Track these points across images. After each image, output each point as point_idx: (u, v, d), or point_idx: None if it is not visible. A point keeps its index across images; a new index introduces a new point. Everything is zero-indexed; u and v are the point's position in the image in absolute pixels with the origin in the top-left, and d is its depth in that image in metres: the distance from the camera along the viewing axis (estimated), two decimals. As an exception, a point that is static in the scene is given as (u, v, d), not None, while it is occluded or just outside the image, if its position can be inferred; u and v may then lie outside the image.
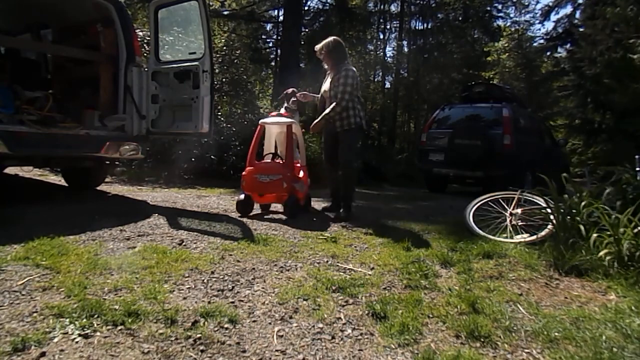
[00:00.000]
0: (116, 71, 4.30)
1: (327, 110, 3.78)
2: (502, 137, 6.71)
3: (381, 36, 18.95)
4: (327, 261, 2.55)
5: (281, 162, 3.86)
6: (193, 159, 6.68)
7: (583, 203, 2.99)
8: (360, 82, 4.02)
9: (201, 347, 1.55)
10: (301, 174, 4.00)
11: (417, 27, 18.07)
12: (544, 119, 13.19)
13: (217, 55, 8.27)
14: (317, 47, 3.94)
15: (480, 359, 1.60)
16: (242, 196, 3.75)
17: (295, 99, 4.34)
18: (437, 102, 13.27)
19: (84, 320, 1.62)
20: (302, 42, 12.71)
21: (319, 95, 4.10)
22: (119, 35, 4.24)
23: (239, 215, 3.68)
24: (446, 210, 4.75)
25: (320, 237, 3.05)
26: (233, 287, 2.09)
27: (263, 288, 2.11)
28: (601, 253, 2.51)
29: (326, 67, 3.99)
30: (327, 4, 15.02)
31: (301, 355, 1.58)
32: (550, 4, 16.46)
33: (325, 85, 3.96)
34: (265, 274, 2.28)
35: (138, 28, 6.67)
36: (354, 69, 3.88)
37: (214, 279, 2.15)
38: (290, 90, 4.47)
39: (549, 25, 31.16)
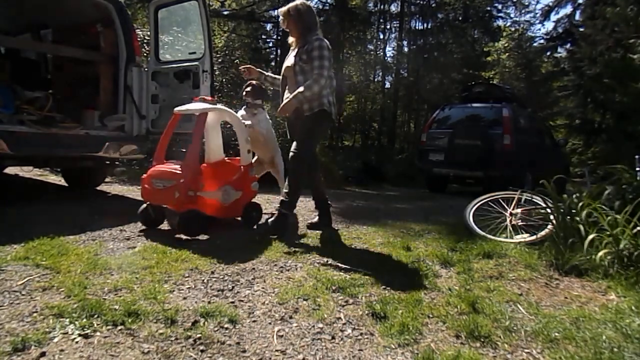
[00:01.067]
0: (116, 71, 4.31)
1: (301, 89, 2.96)
2: (502, 137, 6.72)
3: (381, 36, 18.96)
4: (327, 261, 2.55)
5: (180, 164, 2.97)
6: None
7: (581, 203, 2.99)
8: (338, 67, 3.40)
9: (201, 347, 1.55)
10: (236, 176, 3.21)
11: (417, 27, 18.09)
12: (544, 119, 13.19)
13: (217, 55, 8.27)
14: (282, 10, 3.17)
15: (480, 359, 1.60)
16: (143, 205, 3.03)
17: (249, 89, 3.70)
18: (437, 102, 13.26)
19: (84, 320, 1.62)
20: (302, 42, 12.69)
21: (277, 76, 3.42)
22: (119, 35, 4.25)
23: (141, 230, 3.01)
24: (446, 210, 4.75)
25: (321, 237, 3.05)
26: (233, 287, 2.09)
27: (263, 288, 2.11)
28: (600, 253, 2.50)
29: (291, 40, 3.21)
30: (327, 4, 15.03)
31: (301, 355, 1.58)
32: (550, 4, 16.44)
33: (289, 61, 3.16)
34: (265, 274, 2.28)
35: (138, 28, 6.67)
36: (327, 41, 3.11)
37: (214, 279, 2.15)
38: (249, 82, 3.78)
39: (549, 25, 31.13)
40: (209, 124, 3.16)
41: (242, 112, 3.82)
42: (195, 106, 3.11)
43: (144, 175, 3.01)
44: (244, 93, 3.78)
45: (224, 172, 3.19)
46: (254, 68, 3.55)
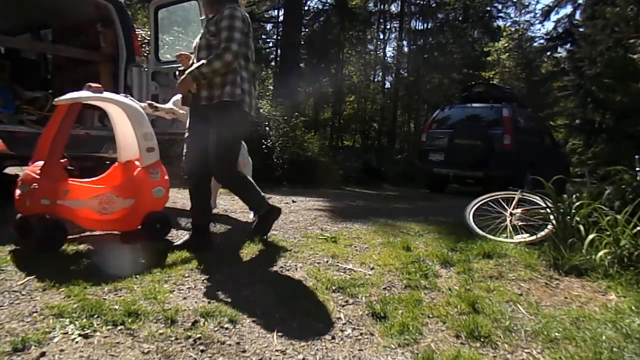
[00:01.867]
0: (116, 71, 4.30)
1: (197, 64, 2.42)
2: (502, 137, 6.73)
3: (381, 36, 19.00)
4: (327, 261, 2.55)
5: (39, 167, 2.37)
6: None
7: (577, 204, 2.99)
8: (249, 31, 2.52)
9: (201, 347, 1.56)
10: (123, 180, 2.63)
11: (417, 27, 18.14)
12: (544, 119, 13.19)
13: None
14: None
15: (480, 359, 1.60)
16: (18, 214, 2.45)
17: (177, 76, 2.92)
18: (437, 102, 13.29)
19: (84, 320, 1.62)
20: (302, 42, 12.72)
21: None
22: (119, 35, 4.24)
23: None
24: (446, 210, 4.75)
25: (320, 237, 3.05)
26: (233, 287, 2.09)
27: (263, 288, 2.10)
28: (600, 253, 2.50)
29: (209, 15, 2.61)
30: (327, 4, 15.07)
31: (301, 355, 1.58)
32: (550, 4, 16.48)
33: (198, 37, 2.64)
34: (266, 273, 2.28)
35: (138, 28, 6.67)
36: (245, 13, 2.53)
37: (214, 279, 2.15)
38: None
39: (549, 25, 31.09)
40: (114, 116, 2.67)
41: (175, 97, 3.41)
42: (71, 95, 2.47)
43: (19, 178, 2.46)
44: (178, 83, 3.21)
45: (105, 176, 2.69)
46: (190, 55, 2.94)
